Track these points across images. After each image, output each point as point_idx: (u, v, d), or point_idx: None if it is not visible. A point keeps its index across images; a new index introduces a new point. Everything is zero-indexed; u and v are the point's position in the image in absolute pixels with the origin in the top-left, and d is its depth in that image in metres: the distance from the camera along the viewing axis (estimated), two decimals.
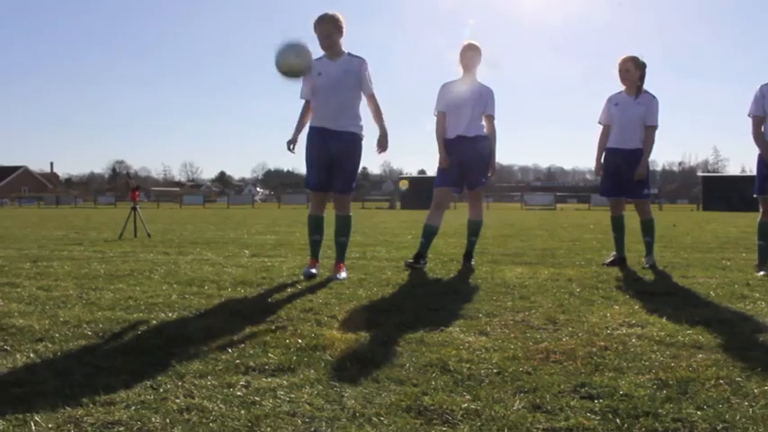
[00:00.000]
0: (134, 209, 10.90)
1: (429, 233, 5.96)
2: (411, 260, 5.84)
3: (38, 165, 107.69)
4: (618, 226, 6.24)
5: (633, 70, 5.95)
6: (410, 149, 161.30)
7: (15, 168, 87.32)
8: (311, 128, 5.24)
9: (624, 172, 6.01)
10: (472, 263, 6.12)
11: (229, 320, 3.44)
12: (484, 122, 5.90)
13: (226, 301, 4.12)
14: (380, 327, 3.26)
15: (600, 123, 6.26)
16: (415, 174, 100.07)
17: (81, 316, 3.54)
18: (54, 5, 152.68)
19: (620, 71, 6.00)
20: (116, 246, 8.79)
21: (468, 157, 5.84)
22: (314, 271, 5.23)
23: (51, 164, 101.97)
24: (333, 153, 5.13)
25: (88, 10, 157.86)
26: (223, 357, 2.67)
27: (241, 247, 8.27)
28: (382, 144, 5.27)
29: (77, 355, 2.73)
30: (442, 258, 6.77)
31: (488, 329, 3.20)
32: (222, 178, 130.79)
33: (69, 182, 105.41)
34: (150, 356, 2.69)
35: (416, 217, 22.11)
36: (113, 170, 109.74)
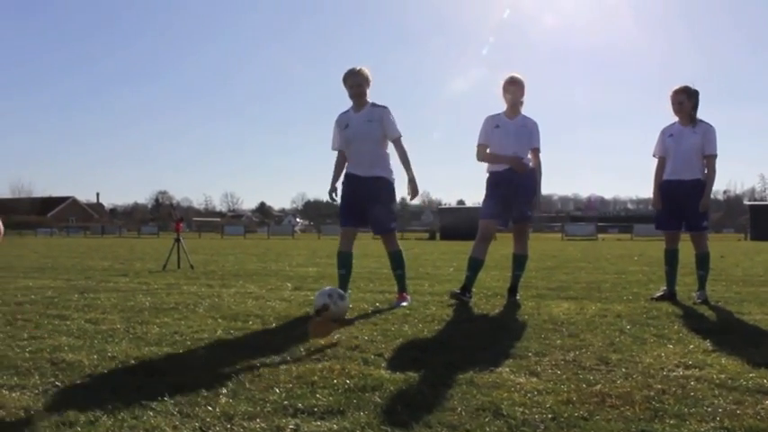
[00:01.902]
0: (177, 240, 11.05)
1: (475, 266, 5.89)
2: (457, 291, 5.78)
3: (85, 195, 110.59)
4: (672, 259, 6.09)
5: (686, 101, 5.86)
6: (448, 180, 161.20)
7: (64, 199, 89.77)
8: (345, 174, 5.72)
9: (683, 204, 5.89)
10: (518, 297, 6.04)
11: (275, 358, 3.42)
12: (530, 156, 5.86)
13: (270, 337, 4.10)
14: (428, 366, 3.20)
15: (655, 156, 6.16)
16: (453, 204, 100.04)
17: (128, 351, 3.56)
18: (100, 37, 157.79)
19: (672, 104, 5.91)
20: (160, 277, 8.90)
21: (515, 191, 5.78)
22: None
23: (97, 194, 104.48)
24: (365, 197, 5.55)
25: (132, 44, 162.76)
26: (271, 398, 2.64)
27: (283, 280, 8.29)
28: (412, 190, 5.64)
29: (126, 393, 2.73)
30: (486, 293, 6.69)
31: (539, 369, 3.11)
32: (262, 208, 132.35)
33: (114, 212, 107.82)
34: (198, 396, 2.68)
35: (457, 248, 22.00)
36: (156, 200, 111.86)
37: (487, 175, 5.94)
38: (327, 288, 4.89)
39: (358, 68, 5.56)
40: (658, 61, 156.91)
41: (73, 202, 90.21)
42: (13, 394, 2.74)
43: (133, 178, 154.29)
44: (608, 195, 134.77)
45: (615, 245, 27.95)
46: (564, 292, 6.74)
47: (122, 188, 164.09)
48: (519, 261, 6.13)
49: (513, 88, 5.80)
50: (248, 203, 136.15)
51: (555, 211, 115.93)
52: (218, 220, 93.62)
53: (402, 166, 5.63)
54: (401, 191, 5.77)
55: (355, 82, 5.51)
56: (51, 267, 11.35)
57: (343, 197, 5.69)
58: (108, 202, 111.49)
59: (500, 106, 5.93)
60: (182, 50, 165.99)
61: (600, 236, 44.94)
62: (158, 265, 11.23)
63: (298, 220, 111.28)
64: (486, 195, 5.96)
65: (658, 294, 6.05)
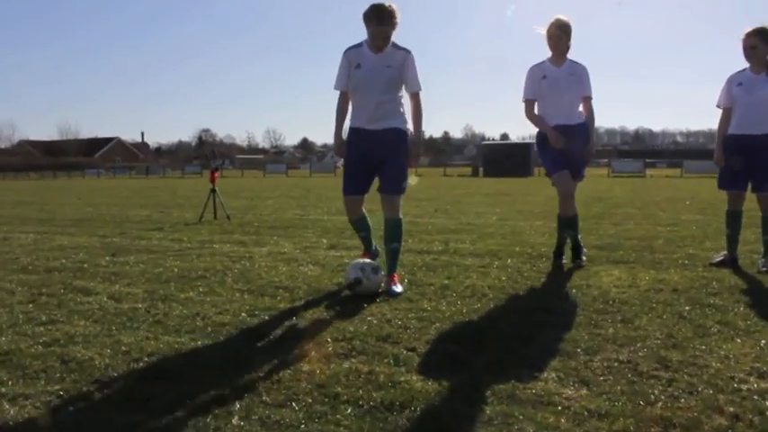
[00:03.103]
0: (213, 191, 10.87)
1: (567, 224, 5.52)
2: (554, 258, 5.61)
3: (130, 135, 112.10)
4: (734, 223, 5.57)
5: (761, 46, 5.20)
6: (491, 111, 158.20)
7: (109, 140, 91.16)
8: (350, 129, 4.72)
9: (751, 161, 5.32)
10: (583, 260, 5.64)
11: (297, 354, 3.16)
12: (581, 107, 5.39)
13: (297, 320, 3.84)
14: (465, 368, 2.90)
15: (719, 107, 5.54)
16: (497, 138, 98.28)
17: (144, 344, 3.34)
18: None
19: (744, 48, 5.27)
20: (195, 232, 8.74)
21: (570, 149, 5.34)
22: (372, 258, 4.93)
23: (142, 134, 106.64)
24: (376, 155, 4.60)
25: None
26: (287, 419, 2.37)
27: (319, 235, 8.04)
28: (414, 153, 4.68)
29: (131, 409, 2.50)
30: (530, 252, 6.31)
31: (589, 376, 2.77)
32: (305, 144, 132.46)
33: (159, 151, 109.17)
34: (208, 415, 2.43)
35: (500, 188, 21.50)
36: (200, 138, 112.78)
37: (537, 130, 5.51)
38: (359, 260, 4.61)
39: (388, 8, 4.41)
40: None
41: (118, 142, 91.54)
42: (14, 408, 2.54)
43: (177, 117, 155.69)
44: (656, 128, 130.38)
45: (664, 183, 27.00)
46: (614, 252, 6.31)
47: (167, 127, 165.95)
48: (572, 222, 5.69)
49: (559, 33, 5.28)
50: (291, 139, 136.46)
51: (601, 144, 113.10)
52: (261, 157, 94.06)
53: (410, 122, 4.71)
54: None
55: (382, 33, 4.45)
56: (90, 219, 11.35)
57: (348, 158, 4.71)
58: (153, 140, 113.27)
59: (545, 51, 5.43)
60: None
61: (648, 172, 43.54)
62: (196, 215, 11.11)
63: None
64: (543, 150, 5.50)
65: (718, 259, 5.59)
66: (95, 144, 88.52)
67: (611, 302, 4.14)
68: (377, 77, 4.52)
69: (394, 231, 4.70)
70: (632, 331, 3.46)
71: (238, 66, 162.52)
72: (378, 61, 4.53)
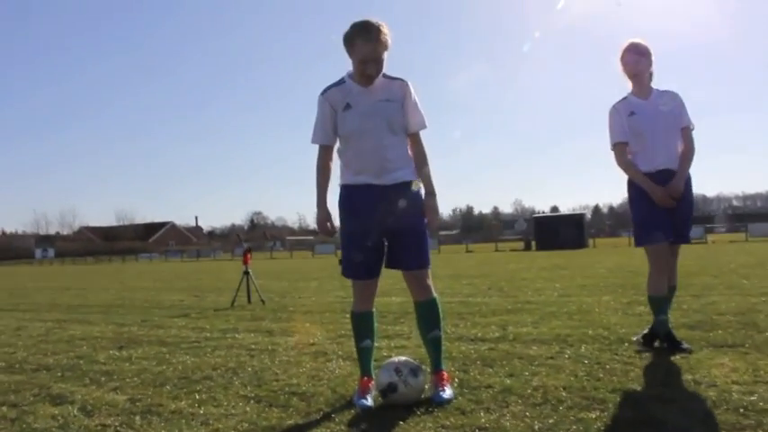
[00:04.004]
0: (246, 273, 10.04)
1: (660, 304, 4.50)
2: (640, 338, 4.67)
3: (184, 219, 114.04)
4: None
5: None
6: (541, 184, 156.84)
7: (163, 224, 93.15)
8: (347, 188, 3.58)
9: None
10: (684, 346, 4.45)
11: None
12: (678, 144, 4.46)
13: None
14: None
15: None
16: (547, 211, 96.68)
17: None
18: (187, 60, 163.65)
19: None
20: (221, 319, 7.86)
21: (680, 198, 4.38)
22: (368, 400, 3.43)
23: (196, 218, 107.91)
24: (389, 219, 3.46)
25: (217, 62, 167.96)
26: None
27: None
28: (430, 212, 3.56)
29: None
30: (607, 337, 5.16)
31: None
32: None
33: (212, 234, 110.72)
34: None
35: (556, 261, 20.20)
36: (251, 221, 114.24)
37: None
38: (394, 359, 3.59)
39: (375, 23, 3.39)
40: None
41: (172, 226, 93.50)
42: None
43: (230, 201, 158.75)
44: (710, 193, 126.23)
45: (731, 248, 25.16)
46: (711, 332, 5.12)
47: (220, 211, 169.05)
48: (669, 295, 4.62)
49: (636, 57, 4.38)
50: None
51: None
52: (311, 238, 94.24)
53: (416, 173, 3.61)
54: None
55: (372, 53, 3.37)
56: (119, 305, 10.65)
57: (350, 227, 3.55)
58: (206, 224, 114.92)
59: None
60: (262, 68, 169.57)
61: (709, 237, 41.42)
62: (230, 299, 10.27)
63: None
64: (639, 208, 4.52)
65: None
66: (150, 229, 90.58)
67: (741, 411, 2.99)
68: (377, 117, 3.46)
69: (432, 315, 3.62)
70: None
71: (291, 151, 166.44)
72: (373, 96, 3.49)
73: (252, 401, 3.61)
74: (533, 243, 40.96)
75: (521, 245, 45.02)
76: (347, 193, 3.57)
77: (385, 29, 3.39)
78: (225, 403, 3.58)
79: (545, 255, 28.51)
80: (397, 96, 3.52)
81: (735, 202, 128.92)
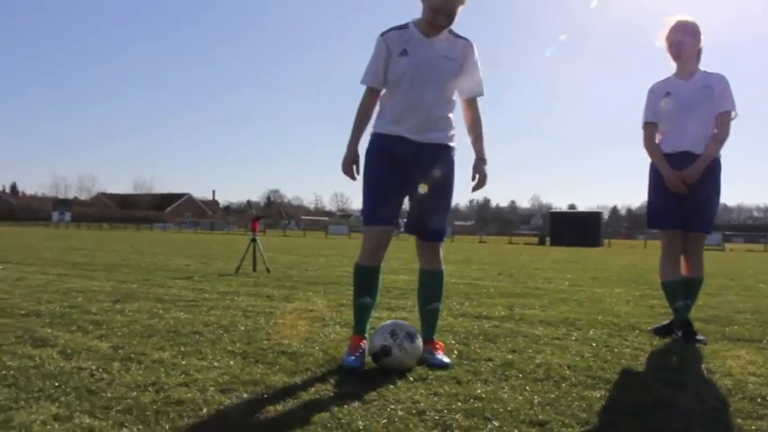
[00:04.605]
0: (253, 240, 9.88)
1: (675, 292, 4.31)
2: (660, 325, 4.52)
3: (202, 193, 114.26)
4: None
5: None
6: (560, 183, 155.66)
7: (180, 195, 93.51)
8: (379, 136, 3.36)
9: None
10: (700, 337, 4.21)
11: None
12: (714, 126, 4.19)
13: (285, 404, 2.64)
14: None
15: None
16: (564, 208, 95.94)
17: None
18: (213, 41, 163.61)
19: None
20: (224, 283, 7.71)
21: (698, 185, 4.15)
22: (357, 360, 3.24)
23: (213, 192, 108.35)
24: (415, 178, 3.32)
25: (243, 46, 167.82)
26: None
27: None
28: (480, 177, 3.40)
29: None
30: (617, 323, 4.94)
31: None
32: None
33: (228, 209, 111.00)
34: None
35: (569, 256, 19.89)
36: (268, 198, 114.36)
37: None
38: (390, 322, 3.39)
39: None
40: None
41: (189, 198, 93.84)
42: None
43: (248, 177, 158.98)
44: (731, 202, 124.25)
45: (750, 257, 24.73)
46: (727, 327, 4.89)
47: (238, 186, 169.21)
48: (692, 287, 4.40)
49: (681, 37, 4.15)
50: (358, 203, 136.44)
51: None
52: (327, 219, 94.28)
53: (470, 138, 3.46)
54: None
55: (448, 6, 3.15)
56: (125, 265, 10.52)
57: (377, 176, 3.34)
58: (223, 199, 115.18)
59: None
60: (291, 52, 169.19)
61: (727, 245, 40.86)
62: (235, 267, 10.13)
63: (404, 220, 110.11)
64: (653, 190, 4.35)
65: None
66: (167, 199, 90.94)
67: (758, 400, 2.77)
68: (432, 70, 3.25)
69: (435, 286, 3.51)
70: None
71: (310, 129, 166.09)
72: (433, 49, 3.26)
73: (238, 357, 3.43)
74: (548, 238, 40.59)
75: (535, 240, 44.60)
76: (379, 140, 3.36)
77: None
78: (210, 357, 3.41)
79: (559, 250, 28.19)
80: (459, 56, 3.30)
81: (755, 213, 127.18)
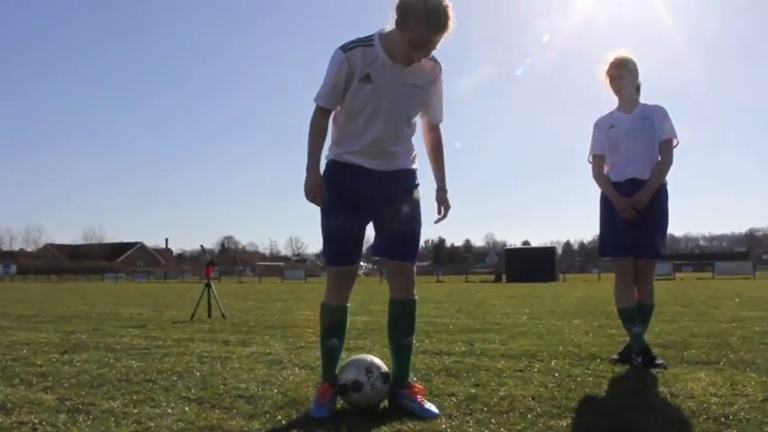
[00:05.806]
0: (208, 286, 9.67)
1: (630, 317, 4.35)
2: (616, 357, 4.54)
3: (155, 241, 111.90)
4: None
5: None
6: (512, 219, 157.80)
7: (133, 245, 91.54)
8: (336, 164, 3.14)
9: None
10: (659, 361, 4.21)
11: None
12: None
13: None
14: None
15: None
16: (519, 245, 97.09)
17: None
18: (158, 83, 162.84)
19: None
20: (179, 330, 7.49)
21: (647, 212, 4.23)
22: (327, 411, 3.01)
23: (166, 240, 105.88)
24: (379, 207, 3.11)
25: (201, 99, 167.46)
26: None
27: None
28: (445, 208, 3.31)
29: None
30: (578, 353, 4.94)
31: None
32: None
33: (182, 257, 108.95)
34: None
35: (526, 291, 20.00)
36: (222, 245, 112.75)
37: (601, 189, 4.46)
38: (366, 358, 3.26)
39: (447, 12, 2.82)
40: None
41: (141, 247, 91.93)
42: None
43: (201, 224, 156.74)
44: (678, 232, 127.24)
45: (699, 284, 25.29)
46: (685, 351, 4.94)
47: (191, 234, 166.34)
48: (644, 313, 4.46)
49: (620, 72, 4.28)
50: (313, 248, 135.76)
51: None
52: (282, 264, 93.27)
53: (431, 164, 3.32)
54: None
55: (431, 45, 2.90)
56: (74, 316, 10.16)
57: (335, 210, 3.11)
58: (177, 247, 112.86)
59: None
60: (237, 95, 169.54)
61: (677, 275, 41.78)
62: (190, 314, 9.87)
63: (362, 264, 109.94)
64: (604, 219, 4.44)
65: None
66: (119, 248, 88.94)
67: (722, 420, 2.76)
68: (397, 101, 3.01)
69: (409, 318, 3.19)
70: None
71: (264, 175, 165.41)
72: (400, 76, 2.98)
73: (193, 403, 3.29)
74: (504, 275, 40.87)
75: (491, 277, 44.87)
76: (336, 169, 3.13)
77: (452, 17, 2.86)
78: (163, 404, 3.26)
79: (515, 286, 28.37)
80: (427, 81, 3.08)
81: (702, 242, 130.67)
